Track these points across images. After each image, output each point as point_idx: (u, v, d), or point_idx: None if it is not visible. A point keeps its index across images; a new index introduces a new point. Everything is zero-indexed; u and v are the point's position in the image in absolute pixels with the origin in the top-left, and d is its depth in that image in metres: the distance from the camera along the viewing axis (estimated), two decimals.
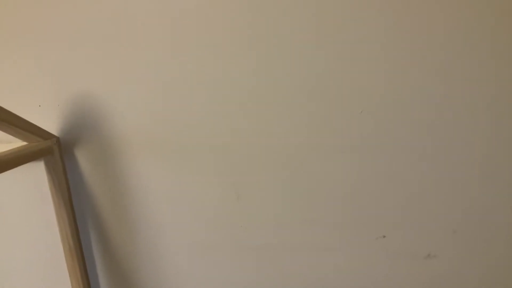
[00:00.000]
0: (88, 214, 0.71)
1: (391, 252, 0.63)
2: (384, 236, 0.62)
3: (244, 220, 0.66)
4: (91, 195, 0.70)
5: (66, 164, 0.68)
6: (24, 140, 0.62)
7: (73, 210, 0.70)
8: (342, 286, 0.67)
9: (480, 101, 0.54)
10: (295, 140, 0.60)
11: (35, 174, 0.70)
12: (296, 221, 0.64)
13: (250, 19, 0.56)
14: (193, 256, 0.70)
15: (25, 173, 0.70)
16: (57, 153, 0.65)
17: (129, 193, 0.68)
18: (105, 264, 0.74)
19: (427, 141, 0.57)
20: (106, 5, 0.59)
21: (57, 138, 0.66)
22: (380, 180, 0.60)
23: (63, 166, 0.67)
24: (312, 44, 0.55)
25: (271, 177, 0.63)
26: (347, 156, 0.59)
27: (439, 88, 0.54)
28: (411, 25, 0.53)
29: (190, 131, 0.63)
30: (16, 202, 0.73)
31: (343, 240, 0.64)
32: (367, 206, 0.61)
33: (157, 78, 0.61)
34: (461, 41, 0.52)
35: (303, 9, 0.54)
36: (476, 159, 0.56)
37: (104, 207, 0.70)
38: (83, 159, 0.68)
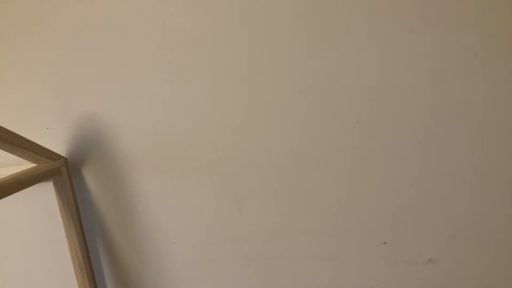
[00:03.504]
0: (96, 231, 0.73)
1: (393, 258, 0.64)
2: (384, 243, 0.63)
3: (246, 232, 0.67)
4: (99, 213, 0.72)
5: (74, 184, 0.70)
6: (33, 162, 0.64)
7: (82, 228, 0.71)
8: None
9: (477, 108, 0.55)
10: (293, 151, 0.61)
11: (45, 194, 0.72)
12: (297, 231, 0.65)
13: (246, 38, 0.58)
14: (200, 269, 0.71)
15: (35, 193, 0.72)
16: (65, 173, 0.67)
17: (135, 209, 0.70)
18: (115, 279, 0.76)
19: (424, 148, 0.58)
20: (110, 30, 0.63)
21: (65, 159, 0.68)
22: (379, 188, 0.61)
23: (71, 186, 0.69)
24: (306, 55, 0.57)
25: (271, 189, 0.64)
26: (345, 165, 0.60)
27: (434, 96, 0.55)
28: (406, 35, 0.54)
29: (192, 149, 0.65)
30: (27, 222, 0.75)
31: (345, 248, 0.65)
32: (367, 214, 0.62)
33: (160, 99, 0.63)
34: (456, 50, 0.53)
35: (296, 20, 0.56)
36: (472, 164, 0.57)
37: (112, 224, 0.72)
38: (91, 178, 0.70)
